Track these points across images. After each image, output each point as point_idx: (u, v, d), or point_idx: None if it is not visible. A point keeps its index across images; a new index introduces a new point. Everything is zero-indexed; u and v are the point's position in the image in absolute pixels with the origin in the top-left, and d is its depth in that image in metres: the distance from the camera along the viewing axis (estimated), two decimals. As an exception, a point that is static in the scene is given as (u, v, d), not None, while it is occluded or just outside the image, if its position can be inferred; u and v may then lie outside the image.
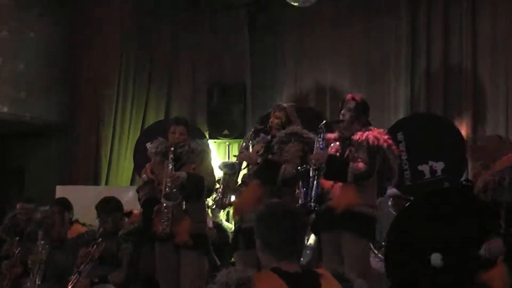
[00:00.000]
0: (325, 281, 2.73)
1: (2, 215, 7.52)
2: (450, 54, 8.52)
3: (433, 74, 8.57)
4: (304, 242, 2.86)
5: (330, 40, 9.49)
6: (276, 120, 5.70)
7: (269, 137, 5.74)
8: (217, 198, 5.71)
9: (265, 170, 5.45)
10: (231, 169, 5.64)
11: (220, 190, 5.73)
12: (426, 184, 7.38)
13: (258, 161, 5.51)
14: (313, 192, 5.23)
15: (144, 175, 6.24)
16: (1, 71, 9.02)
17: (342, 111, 5.43)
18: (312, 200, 5.23)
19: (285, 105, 5.88)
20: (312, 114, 7.88)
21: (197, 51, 10.31)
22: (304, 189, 5.35)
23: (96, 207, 6.69)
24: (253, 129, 5.82)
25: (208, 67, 10.31)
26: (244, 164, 5.76)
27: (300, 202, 5.32)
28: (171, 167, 5.86)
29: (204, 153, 5.95)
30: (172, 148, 5.93)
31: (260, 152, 5.64)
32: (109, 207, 6.67)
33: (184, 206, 5.85)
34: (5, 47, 9.19)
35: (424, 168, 7.53)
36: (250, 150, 5.89)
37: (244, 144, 5.74)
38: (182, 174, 5.84)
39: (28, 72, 9.45)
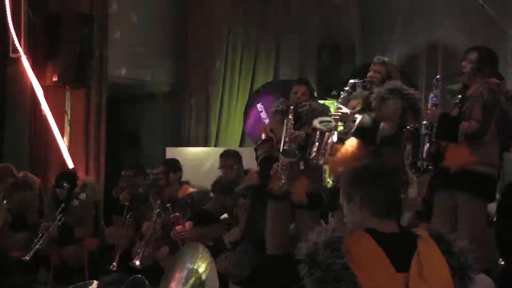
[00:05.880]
0: (422, 242, 2.58)
1: (118, 176, 7.74)
2: None
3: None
4: (401, 202, 2.72)
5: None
6: (376, 75, 5.46)
7: (366, 92, 5.49)
8: (312, 156, 5.60)
9: (363, 128, 5.26)
10: (326, 126, 5.50)
11: (315, 147, 5.58)
12: None
13: (355, 119, 5.33)
14: (424, 151, 5.07)
15: (263, 134, 6.28)
16: (119, 35, 9.21)
17: (463, 63, 5.16)
18: (424, 159, 5.08)
19: (386, 59, 5.64)
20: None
21: (306, 9, 10.15)
22: (413, 148, 5.19)
23: (223, 155, 6.79)
24: (351, 84, 5.57)
25: (317, 26, 10.16)
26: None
27: (408, 161, 5.16)
28: (290, 125, 5.86)
29: (324, 114, 5.83)
30: (292, 107, 5.91)
31: (357, 109, 5.43)
32: (237, 155, 6.74)
33: (302, 166, 5.82)
34: (123, 15, 9.36)
35: None
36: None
37: (340, 100, 5.56)
38: (301, 133, 5.83)
39: (144, 35, 9.59)
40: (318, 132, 5.53)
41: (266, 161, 6.14)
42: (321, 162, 5.60)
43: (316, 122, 5.55)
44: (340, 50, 9.80)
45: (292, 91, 6.06)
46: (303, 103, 5.96)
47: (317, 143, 5.54)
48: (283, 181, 5.87)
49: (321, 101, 9.21)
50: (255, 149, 6.38)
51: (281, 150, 5.85)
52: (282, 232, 6.01)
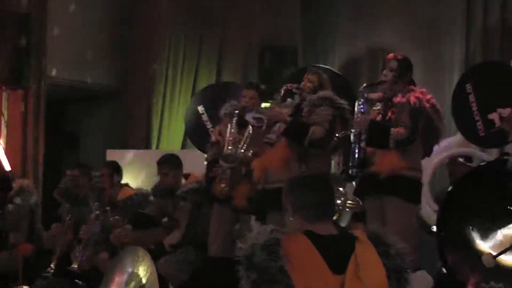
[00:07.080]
0: (360, 244, 2.61)
1: (58, 178, 7.60)
2: (508, 10, 8.19)
3: (490, 32, 8.26)
4: (335, 205, 2.76)
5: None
6: (308, 84, 5.52)
7: (297, 100, 5.55)
8: (240, 152, 5.65)
9: (293, 129, 5.32)
10: (258, 122, 5.53)
11: (244, 144, 5.67)
12: (497, 132, 7.06)
13: (288, 120, 5.36)
14: (355, 158, 5.15)
15: (213, 136, 6.29)
16: (58, 36, 9.07)
17: (384, 71, 5.32)
18: (354, 166, 5.16)
19: (318, 69, 5.75)
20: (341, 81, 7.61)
21: (249, 13, 10.16)
22: (344, 155, 5.27)
23: (159, 162, 6.71)
24: (285, 88, 5.57)
25: (260, 29, 10.17)
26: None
27: (340, 168, 5.24)
28: (233, 130, 5.86)
29: None
30: (237, 111, 5.90)
31: (288, 114, 5.47)
32: (174, 161, 6.69)
33: (243, 170, 5.81)
34: (62, 15, 9.21)
35: (494, 116, 7.26)
36: None
37: (275, 102, 5.60)
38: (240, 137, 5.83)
39: (84, 37, 9.47)
40: (250, 127, 5.59)
41: (212, 164, 6.12)
42: (249, 157, 5.64)
43: (249, 116, 5.58)
44: (282, 53, 9.84)
45: (242, 95, 6.08)
46: (250, 107, 5.91)
47: (248, 138, 5.64)
48: (223, 186, 5.87)
49: (264, 104, 9.36)
50: (206, 152, 6.39)
51: (222, 154, 5.85)
52: (224, 235, 6.00)
